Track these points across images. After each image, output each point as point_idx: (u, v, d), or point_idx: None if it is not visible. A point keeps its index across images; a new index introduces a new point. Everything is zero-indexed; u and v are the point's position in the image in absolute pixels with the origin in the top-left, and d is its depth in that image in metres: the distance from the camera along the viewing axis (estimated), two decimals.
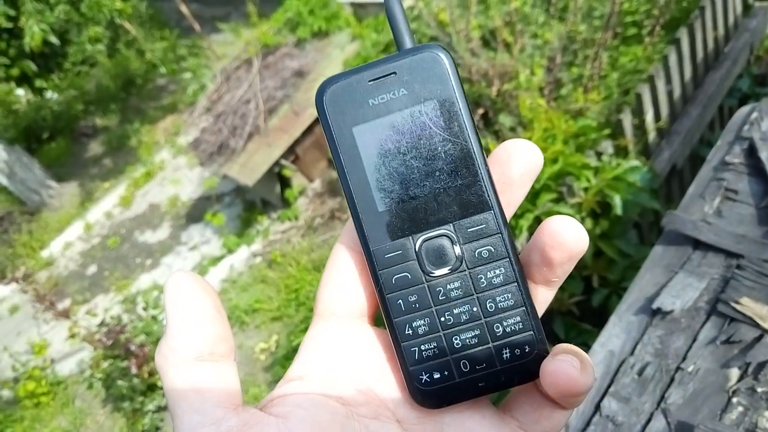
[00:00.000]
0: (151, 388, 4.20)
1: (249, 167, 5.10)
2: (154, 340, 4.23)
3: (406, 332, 0.44)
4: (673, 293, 1.52)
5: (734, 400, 1.31)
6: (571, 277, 2.72)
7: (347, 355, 0.45)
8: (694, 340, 1.44)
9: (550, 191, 2.67)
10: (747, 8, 3.68)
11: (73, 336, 4.19)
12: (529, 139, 3.03)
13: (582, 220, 2.64)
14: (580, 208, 2.64)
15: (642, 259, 1.91)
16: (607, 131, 3.03)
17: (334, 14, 5.92)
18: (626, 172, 2.67)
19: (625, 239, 2.76)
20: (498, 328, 0.44)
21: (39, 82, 6.61)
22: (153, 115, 8.13)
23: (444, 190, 0.44)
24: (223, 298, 5.10)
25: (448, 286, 0.44)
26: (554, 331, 2.72)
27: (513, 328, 0.43)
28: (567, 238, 0.41)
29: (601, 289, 2.71)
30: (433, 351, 0.44)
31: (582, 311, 2.75)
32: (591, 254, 2.73)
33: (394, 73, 0.44)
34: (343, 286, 0.46)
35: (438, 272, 0.44)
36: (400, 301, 0.44)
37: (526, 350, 0.43)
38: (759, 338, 1.37)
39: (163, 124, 7.87)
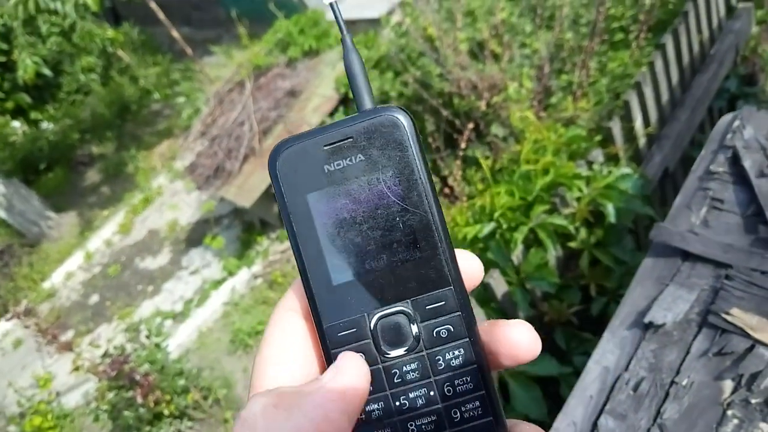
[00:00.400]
0: (158, 417, 4.19)
1: (246, 189, 5.11)
2: (159, 368, 4.22)
3: (360, 417, 0.41)
4: (664, 306, 1.52)
5: (729, 412, 1.31)
6: (568, 287, 2.73)
7: None
8: (687, 352, 1.44)
9: (543, 203, 2.68)
10: (730, 10, 3.70)
11: (77, 368, 4.18)
12: (520, 151, 3.05)
13: (576, 230, 2.65)
14: (573, 218, 2.64)
15: (639, 266, 1.91)
16: (598, 138, 3.05)
17: (324, 33, 5.96)
18: (618, 180, 2.68)
19: (621, 247, 2.76)
20: (456, 413, 0.41)
21: (34, 114, 6.66)
22: (149, 140, 8.17)
23: (402, 263, 0.41)
24: (226, 321, 5.10)
25: (404, 368, 0.41)
26: (555, 342, 2.72)
27: (472, 413, 0.41)
28: (523, 353, 0.40)
29: (599, 298, 2.71)
30: None
31: (581, 320, 2.75)
32: (587, 263, 2.74)
33: (351, 138, 0.42)
34: (294, 362, 0.42)
35: (394, 353, 0.41)
36: None
37: None
38: (750, 349, 1.37)
39: (160, 149, 7.90)
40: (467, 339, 0.41)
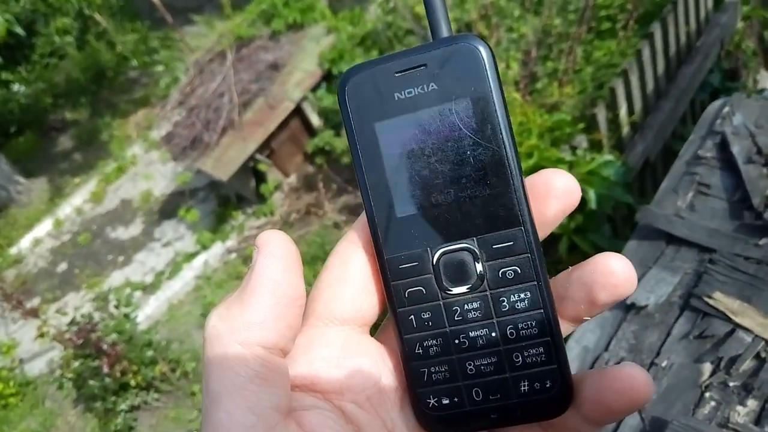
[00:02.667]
0: (124, 387, 4.13)
1: (223, 162, 5.02)
2: (127, 338, 4.15)
3: (416, 351, 0.40)
4: (647, 288, 1.52)
5: (707, 394, 1.32)
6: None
7: (353, 368, 0.41)
8: (668, 335, 1.44)
9: None
10: (717, 3, 3.71)
11: (42, 335, 4.09)
12: None
13: None
14: None
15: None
16: (582, 125, 3.05)
17: (310, 6, 5.85)
18: (600, 167, 2.68)
19: (600, 233, 2.77)
20: (517, 357, 0.39)
21: (5, 75, 6.45)
22: (125, 108, 7.98)
23: (470, 199, 0.40)
24: (198, 294, 5.03)
25: (466, 306, 0.40)
26: None
27: (534, 359, 0.39)
28: (621, 280, 0.37)
29: None
30: (444, 374, 0.40)
31: None
32: (566, 248, 2.74)
33: (425, 65, 0.40)
34: (352, 289, 0.41)
35: (456, 290, 0.40)
36: (412, 317, 0.40)
37: (547, 385, 0.39)
38: (731, 333, 1.37)
39: (135, 117, 7.72)
40: (535, 282, 0.39)
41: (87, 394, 4.13)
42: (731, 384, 1.31)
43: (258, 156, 5.13)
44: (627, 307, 1.53)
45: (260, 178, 5.40)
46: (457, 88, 0.39)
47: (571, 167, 2.71)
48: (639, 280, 1.56)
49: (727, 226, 1.55)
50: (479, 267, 0.40)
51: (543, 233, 0.40)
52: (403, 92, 0.40)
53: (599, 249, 2.71)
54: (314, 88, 5.16)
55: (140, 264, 5.68)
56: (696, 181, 1.67)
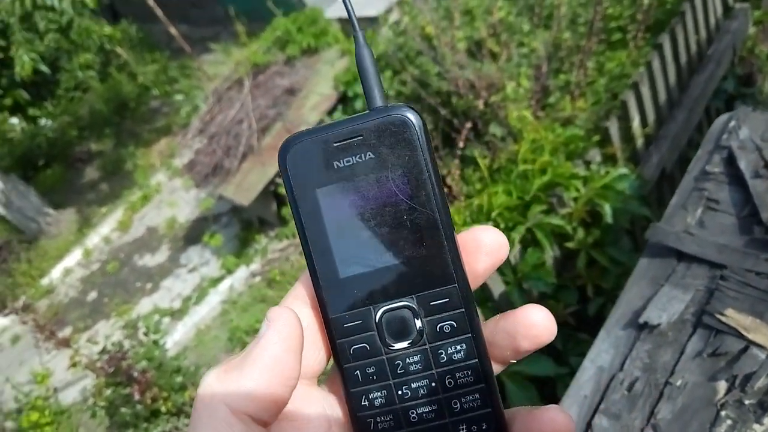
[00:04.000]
0: (155, 414, 4.19)
1: (244, 187, 5.12)
2: (156, 365, 4.22)
3: (362, 403, 0.43)
4: (659, 306, 1.53)
5: (723, 413, 1.32)
6: (565, 287, 2.74)
7: (305, 420, 0.44)
8: (682, 353, 1.45)
9: (540, 202, 2.69)
10: (727, 10, 3.70)
11: (74, 365, 4.18)
12: (517, 151, 3.05)
13: (573, 230, 2.66)
14: (570, 218, 2.65)
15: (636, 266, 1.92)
16: (596, 138, 3.05)
17: (323, 31, 5.95)
18: (615, 181, 2.68)
19: (618, 247, 2.77)
20: (456, 404, 0.43)
21: (32, 111, 6.66)
22: (147, 137, 8.17)
23: (408, 260, 0.42)
24: (224, 319, 5.11)
25: (407, 360, 0.43)
26: (552, 343, 2.73)
27: (471, 405, 0.42)
28: (541, 331, 0.42)
29: (596, 298, 2.72)
30: (389, 423, 0.43)
31: (578, 321, 2.75)
32: (584, 264, 2.74)
33: (361, 136, 0.42)
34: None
35: (398, 345, 0.43)
36: (358, 372, 0.43)
37: (483, 427, 0.42)
38: (745, 350, 1.38)
39: (158, 146, 7.90)
40: (469, 335, 0.42)
41: (119, 421, 4.20)
42: (747, 402, 1.32)
43: (278, 180, 5.22)
44: (640, 326, 1.55)
45: (281, 201, 5.48)
46: (392, 157, 0.42)
47: (585, 182, 2.72)
48: (651, 298, 1.57)
49: (737, 241, 1.55)
50: (419, 323, 0.43)
51: (475, 285, 0.44)
52: (342, 161, 0.42)
53: (618, 263, 2.71)
54: (330, 111, 5.23)
55: (167, 290, 5.79)
56: (705, 196, 1.68)
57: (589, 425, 1.43)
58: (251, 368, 0.39)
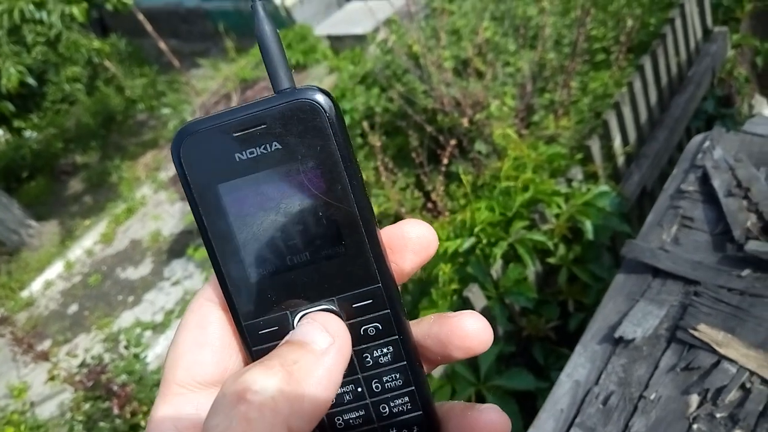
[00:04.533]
0: (134, 428, 4.14)
1: None
2: (137, 379, 4.18)
3: None
4: (634, 321, 1.55)
5: (695, 426, 1.34)
6: (547, 302, 2.76)
7: None
8: (656, 367, 1.47)
9: (522, 219, 2.71)
10: (707, 33, 3.79)
11: (52, 378, 4.13)
12: (501, 168, 3.09)
13: (555, 246, 2.68)
14: (552, 234, 2.68)
15: None
16: (578, 156, 3.10)
17: (312, 48, 6.01)
18: (596, 198, 2.72)
19: (599, 263, 2.80)
20: (384, 408, 0.40)
21: (17, 122, 6.62)
22: (133, 151, 8.14)
23: (326, 260, 0.39)
24: None
25: None
26: (533, 357, 2.74)
27: (400, 408, 0.40)
28: (475, 343, 0.39)
29: (576, 314, 2.74)
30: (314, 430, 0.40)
31: (559, 336, 2.77)
32: (566, 279, 2.76)
33: (264, 124, 0.37)
34: (212, 352, 0.40)
35: None
36: None
37: (415, 431, 0.40)
38: (716, 364, 1.40)
39: (144, 159, 7.87)
40: (396, 337, 0.40)
41: None
42: (718, 415, 1.33)
43: None
44: (616, 341, 1.56)
45: None
46: (301, 148, 0.37)
47: (567, 199, 2.76)
48: (626, 313, 1.59)
49: (710, 258, 1.58)
50: None
51: (400, 282, 0.41)
52: (244, 153, 0.38)
53: (598, 279, 2.74)
54: None
55: (150, 303, 5.74)
56: (680, 214, 1.71)
57: None
58: (315, 387, 0.35)
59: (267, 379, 0.34)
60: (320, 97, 0.37)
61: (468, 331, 0.39)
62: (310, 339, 0.37)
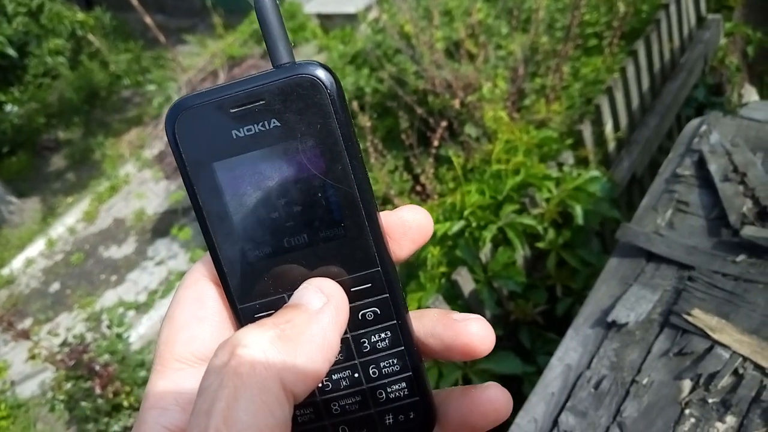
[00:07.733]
0: (116, 408, 4.10)
1: None
2: (119, 358, 4.13)
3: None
4: (627, 306, 1.54)
5: (687, 411, 1.33)
6: (535, 287, 2.75)
7: None
8: (648, 352, 1.46)
9: (512, 202, 2.70)
10: (700, 20, 3.77)
11: (33, 357, 4.07)
12: (491, 151, 3.06)
13: (544, 231, 2.67)
14: (542, 218, 2.66)
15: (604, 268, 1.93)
16: (569, 141, 3.08)
17: (301, 26, 5.92)
18: (587, 183, 2.71)
19: (588, 248, 2.79)
20: (381, 394, 0.39)
21: None
22: (117, 127, 8.00)
23: (324, 242, 0.38)
24: None
25: None
26: (520, 341, 2.74)
27: (397, 394, 0.39)
28: (480, 350, 0.39)
29: (564, 299, 2.74)
30: (310, 416, 0.40)
31: (547, 320, 2.77)
32: (554, 264, 2.76)
33: (263, 100, 0.36)
34: (211, 327, 0.39)
35: None
36: None
37: (411, 416, 0.40)
38: (710, 349, 1.39)
39: (128, 136, 7.75)
40: (394, 321, 0.39)
41: (79, 415, 4.10)
42: (710, 401, 1.33)
43: None
44: (608, 325, 1.55)
45: None
46: (301, 125, 0.36)
47: (557, 183, 2.74)
48: (619, 297, 1.58)
49: (705, 243, 1.57)
50: None
51: (396, 265, 0.41)
52: (241, 130, 0.36)
53: (587, 264, 2.73)
54: None
55: (133, 283, 5.67)
56: (675, 198, 1.70)
57: (555, 422, 1.43)
58: (308, 345, 0.34)
59: (258, 335, 0.33)
60: (321, 73, 0.36)
61: (473, 338, 0.39)
62: (305, 300, 0.36)
